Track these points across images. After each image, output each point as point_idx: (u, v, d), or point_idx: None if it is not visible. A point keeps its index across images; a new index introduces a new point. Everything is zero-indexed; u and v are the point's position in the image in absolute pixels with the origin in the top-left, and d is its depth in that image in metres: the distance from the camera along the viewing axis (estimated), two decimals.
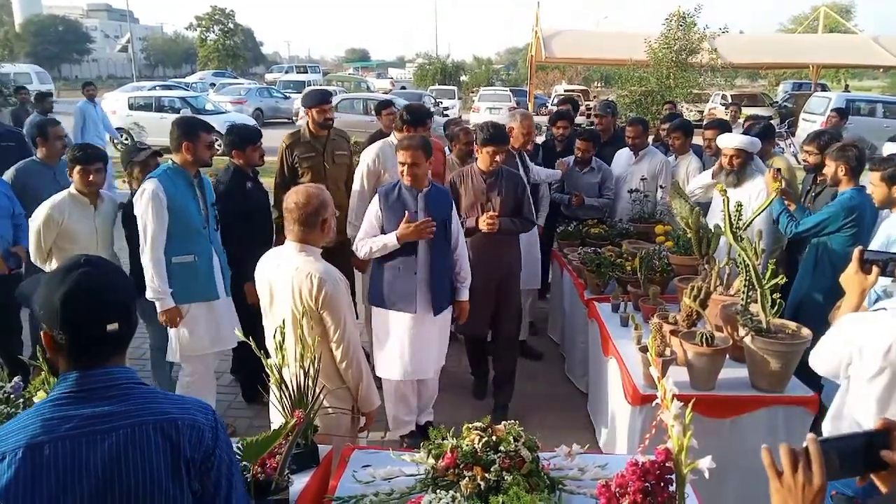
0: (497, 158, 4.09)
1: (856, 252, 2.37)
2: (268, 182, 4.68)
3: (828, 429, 2.41)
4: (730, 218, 3.11)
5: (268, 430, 2.09)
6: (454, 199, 3.98)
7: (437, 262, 3.67)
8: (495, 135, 4.08)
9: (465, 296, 3.86)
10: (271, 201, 4.59)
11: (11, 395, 2.20)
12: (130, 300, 1.45)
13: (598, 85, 43.25)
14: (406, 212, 3.58)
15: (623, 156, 5.76)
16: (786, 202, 4.19)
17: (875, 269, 2.31)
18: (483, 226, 4.00)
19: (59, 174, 4.60)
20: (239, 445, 1.98)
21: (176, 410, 1.41)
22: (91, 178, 3.94)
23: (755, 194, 4.33)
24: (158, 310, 3.63)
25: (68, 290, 1.34)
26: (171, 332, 3.74)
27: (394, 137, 4.54)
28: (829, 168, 3.91)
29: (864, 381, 2.16)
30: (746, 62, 19.77)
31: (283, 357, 2.27)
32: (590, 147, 5.54)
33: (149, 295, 3.57)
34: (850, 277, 2.36)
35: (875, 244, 3.39)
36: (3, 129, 6.53)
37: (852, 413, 2.27)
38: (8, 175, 4.59)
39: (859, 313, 2.30)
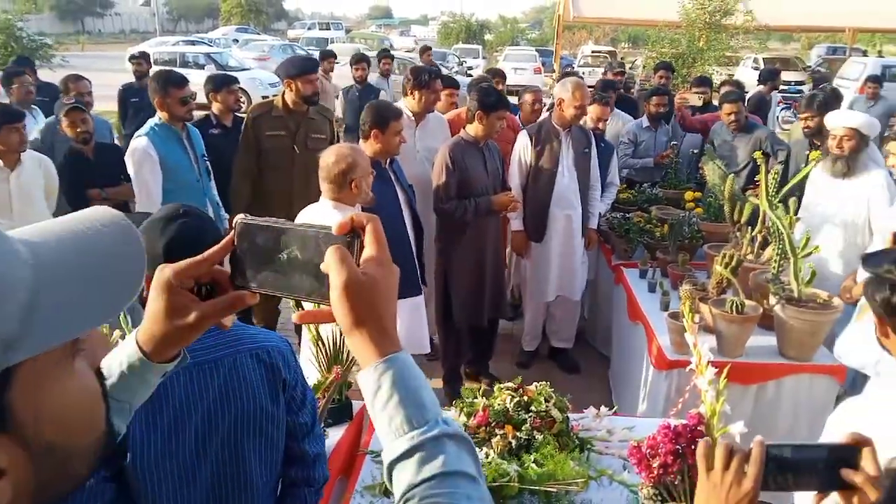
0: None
1: (889, 234, 2.31)
2: None
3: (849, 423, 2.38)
4: (766, 185, 3.07)
5: None
6: (462, 176, 3.78)
7: None
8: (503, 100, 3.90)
9: None
10: None
11: None
12: None
13: (626, 46, 42.28)
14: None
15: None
16: None
17: None
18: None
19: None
20: None
21: (263, 339, 1.58)
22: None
23: (870, 191, 3.62)
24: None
25: (170, 241, 1.42)
26: None
27: (405, 103, 4.24)
28: None
29: (893, 379, 2.11)
30: (781, 24, 19.17)
31: None
32: (665, 102, 5.49)
33: None
34: None
35: None
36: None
37: (877, 411, 2.25)
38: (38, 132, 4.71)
39: None
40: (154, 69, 16.69)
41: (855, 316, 2.35)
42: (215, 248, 0.81)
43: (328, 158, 2.78)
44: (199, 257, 0.81)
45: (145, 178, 3.61)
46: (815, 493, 1.09)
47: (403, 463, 0.72)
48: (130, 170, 3.67)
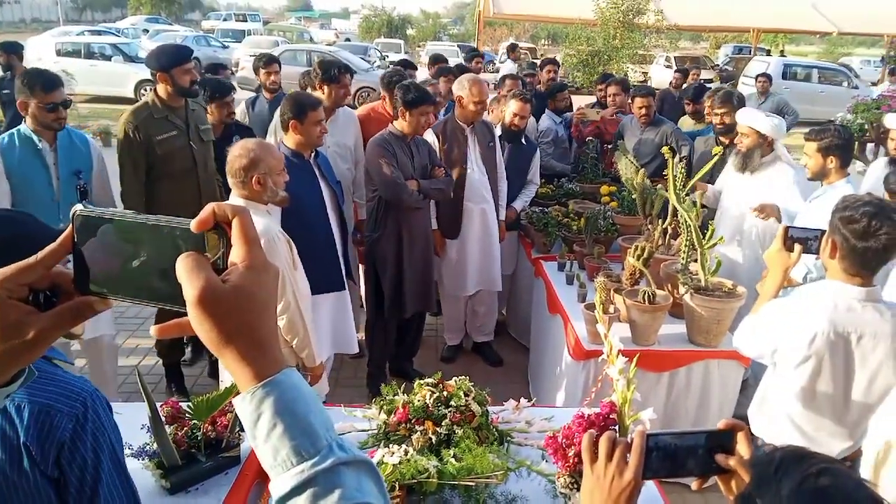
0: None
1: (780, 229, 2.42)
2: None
3: (754, 413, 2.47)
4: (674, 179, 3.19)
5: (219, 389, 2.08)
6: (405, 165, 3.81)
7: None
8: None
9: None
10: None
11: None
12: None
13: (546, 43, 43.15)
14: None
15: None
16: None
17: (798, 247, 2.35)
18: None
19: None
20: (189, 405, 1.96)
21: (35, 393, 1.27)
22: None
23: (774, 184, 3.74)
24: None
25: None
26: None
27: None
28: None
29: (789, 368, 2.22)
30: (690, 24, 20.01)
31: None
32: (566, 96, 5.85)
33: None
34: (773, 255, 2.40)
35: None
36: None
37: (777, 400, 2.34)
38: None
39: (784, 300, 2.35)
40: (57, 60, 15.76)
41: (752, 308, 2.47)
42: (50, 247, 0.67)
43: (233, 152, 2.69)
44: (28, 260, 0.67)
45: None
46: (696, 478, 1.14)
47: (294, 500, 0.64)
48: None
